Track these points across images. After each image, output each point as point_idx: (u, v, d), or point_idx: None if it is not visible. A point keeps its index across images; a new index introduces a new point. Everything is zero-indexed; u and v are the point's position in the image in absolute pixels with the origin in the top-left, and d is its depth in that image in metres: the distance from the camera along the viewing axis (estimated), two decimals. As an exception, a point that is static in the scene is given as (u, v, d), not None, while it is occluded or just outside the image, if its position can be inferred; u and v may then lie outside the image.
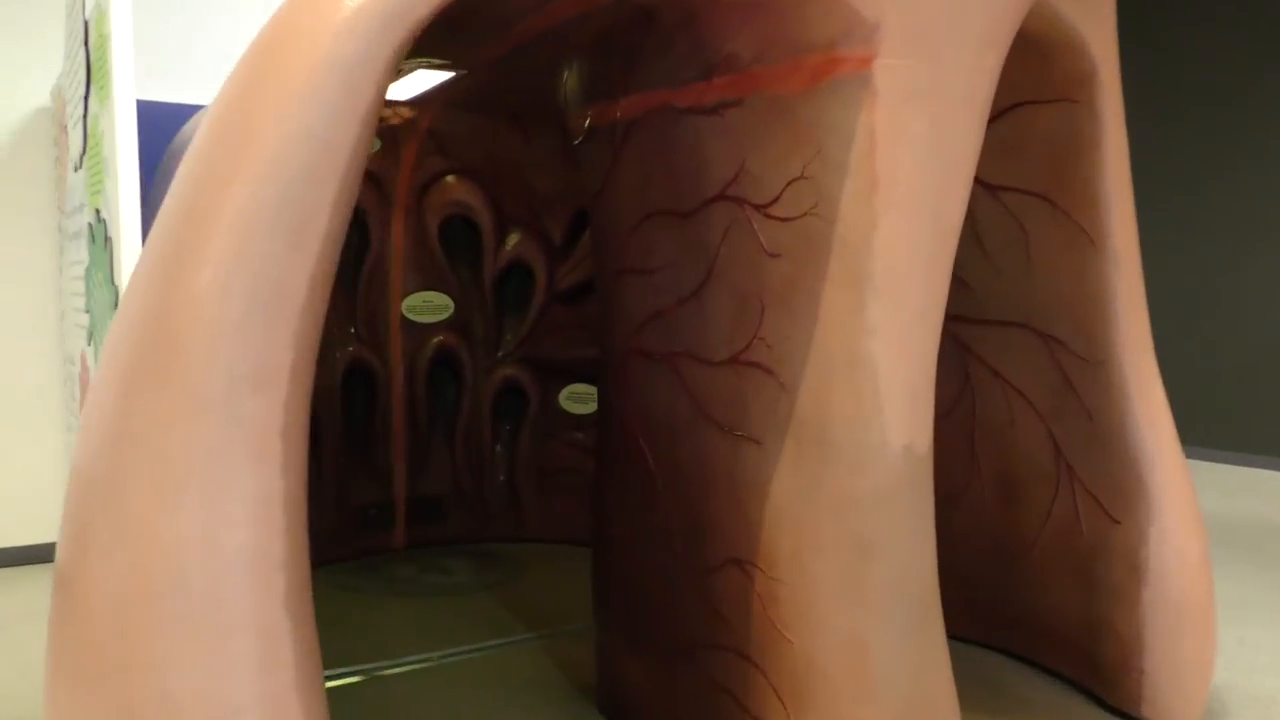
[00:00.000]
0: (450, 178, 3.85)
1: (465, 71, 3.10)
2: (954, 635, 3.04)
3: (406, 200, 3.79)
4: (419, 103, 3.56)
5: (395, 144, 3.69)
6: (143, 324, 1.53)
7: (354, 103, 1.49)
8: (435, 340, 3.94)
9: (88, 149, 3.04)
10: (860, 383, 1.78)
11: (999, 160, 2.59)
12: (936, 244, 1.76)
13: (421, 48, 2.70)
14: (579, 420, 4.07)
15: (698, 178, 2.03)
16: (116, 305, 2.61)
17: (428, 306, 3.93)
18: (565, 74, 2.45)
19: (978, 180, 2.69)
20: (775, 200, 1.86)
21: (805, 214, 1.81)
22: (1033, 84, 2.41)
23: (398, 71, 3.19)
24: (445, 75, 3.20)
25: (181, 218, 1.53)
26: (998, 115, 2.56)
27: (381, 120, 3.58)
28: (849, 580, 1.79)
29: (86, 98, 3.01)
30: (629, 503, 2.32)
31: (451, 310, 3.97)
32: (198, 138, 1.61)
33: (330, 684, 2.64)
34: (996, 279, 2.74)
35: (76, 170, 3.29)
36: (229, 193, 1.47)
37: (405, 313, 3.89)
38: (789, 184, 1.83)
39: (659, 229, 2.17)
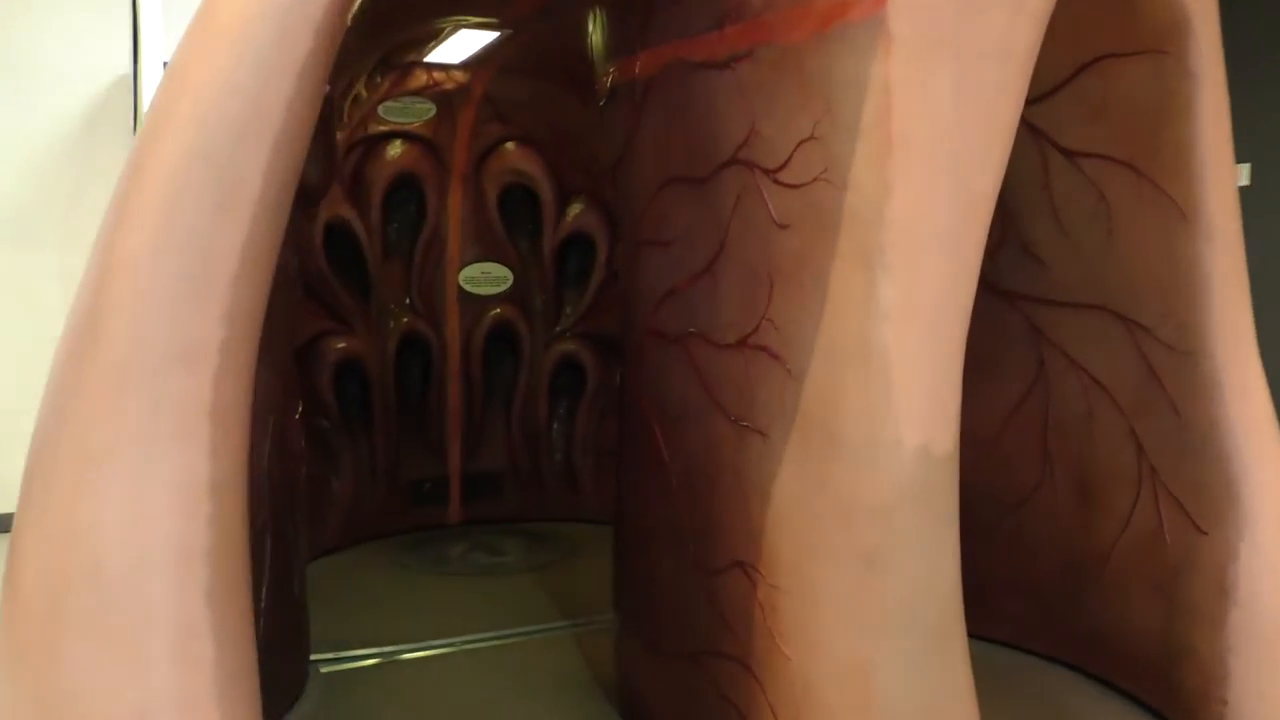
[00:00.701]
0: (509, 145, 3.72)
1: (510, 31, 2.95)
2: (1020, 647, 2.80)
3: (464, 168, 3.68)
4: (471, 65, 3.43)
5: (451, 110, 3.58)
6: (80, 292, 1.44)
7: (287, 54, 1.35)
8: (493, 313, 3.84)
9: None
10: (871, 373, 1.56)
11: (1077, 122, 2.30)
12: (962, 216, 1.53)
13: (449, 3, 2.57)
14: (641, 399, 3.91)
15: (712, 140, 1.84)
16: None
17: (486, 278, 3.82)
18: (591, 30, 2.27)
19: (1054, 145, 2.40)
20: (785, 165, 1.65)
21: (815, 180, 1.59)
22: (1114, 34, 2.12)
23: (436, 31, 3.08)
24: (491, 35, 3.06)
25: (124, 177, 1.43)
26: (1076, 71, 2.27)
27: (434, 84, 3.48)
28: (853, 595, 1.59)
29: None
30: (644, 495, 2.16)
31: (510, 282, 3.86)
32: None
33: (344, 666, 2.57)
34: (1075, 256, 2.45)
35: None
36: (158, 151, 1.36)
37: (462, 284, 3.80)
38: (799, 146, 1.62)
39: (676, 197, 1.99)
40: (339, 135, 3.34)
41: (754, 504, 1.76)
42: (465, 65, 3.45)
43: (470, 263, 3.80)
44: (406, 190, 3.63)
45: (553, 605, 3.04)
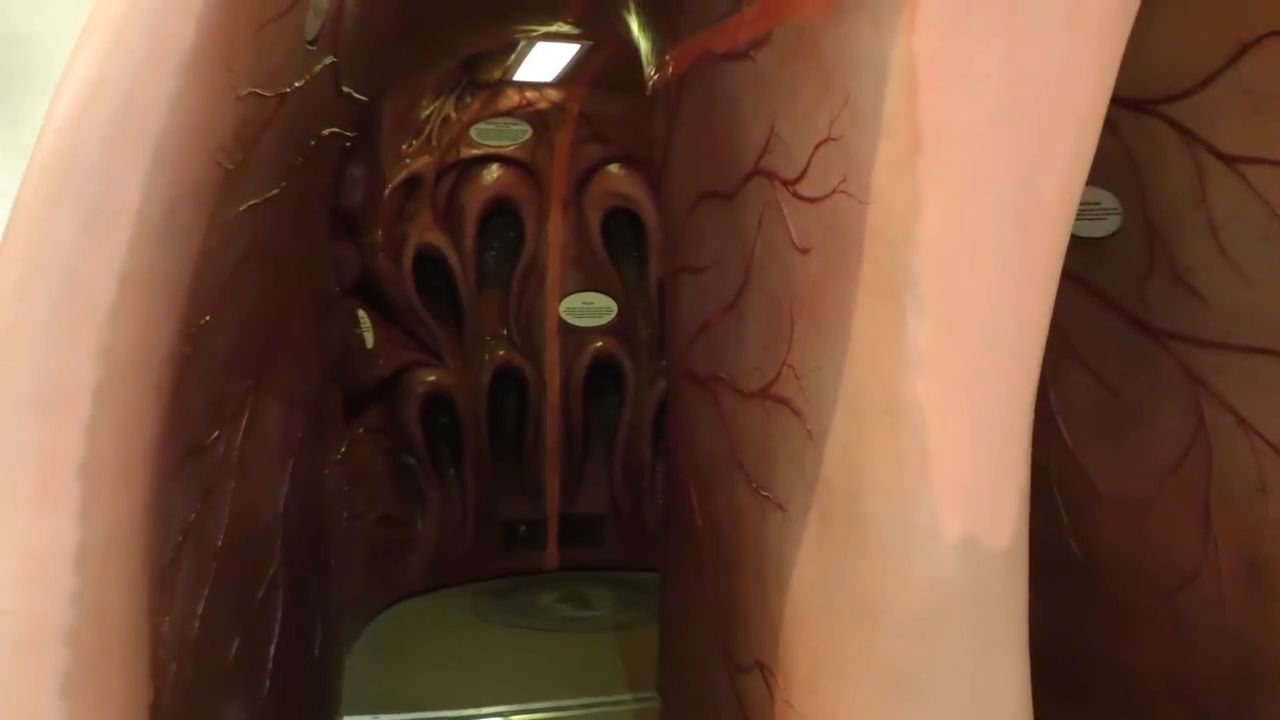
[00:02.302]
0: (612, 167, 3.49)
1: (591, 43, 2.72)
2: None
3: (564, 192, 3.47)
4: (563, 82, 3.22)
5: (547, 130, 3.38)
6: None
7: (164, 46, 1.14)
8: (595, 346, 3.60)
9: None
10: (901, 438, 1.20)
11: (1238, 120, 1.85)
12: (1019, 234, 1.15)
13: (503, 8, 2.35)
14: (753, 441, 3.57)
15: (736, 145, 1.52)
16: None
17: (588, 309, 3.59)
18: (635, 31, 2.00)
19: (1209, 150, 1.94)
20: (804, 174, 1.32)
21: (834, 191, 1.25)
22: (1282, 4, 1.66)
23: (510, 44, 2.87)
24: (574, 49, 2.84)
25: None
26: (1235, 55, 1.82)
27: (527, 104, 3.29)
28: (875, 728, 1.22)
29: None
30: (681, 565, 1.86)
31: (614, 313, 3.61)
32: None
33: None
34: (1240, 287, 1.98)
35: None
36: (29, 167, 1.18)
37: (563, 315, 3.58)
38: (816, 149, 1.29)
39: (708, 216, 1.69)
40: (426, 159, 3.20)
41: (773, 593, 1.42)
42: (557, 82, 3.24)
43: (571, 292, 3.58)
44: (503, 216, 3.46)
45: (624, 673, 2.74)
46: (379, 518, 3.14)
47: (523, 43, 2.79)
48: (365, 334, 2.98)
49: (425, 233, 3.28)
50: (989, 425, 1.19)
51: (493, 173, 3.39)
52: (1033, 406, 1.22)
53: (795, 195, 1.34)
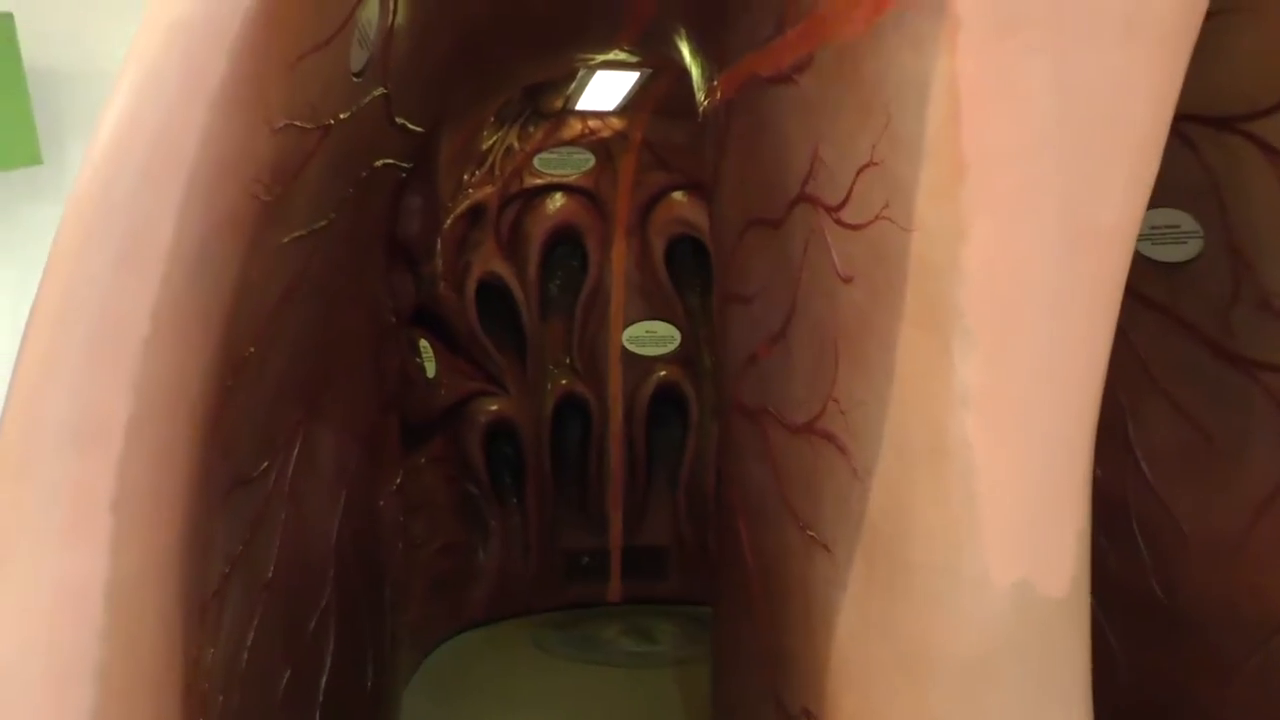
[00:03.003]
0: (677, 194, 3.46)
1: (650, 70, 2.70)
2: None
3: (628, 220, 3.46)
4: (625, 110, 3.21)
5: (610, 158, 3.37)
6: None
7: (196, 82, 1.14)
8: (658, 374, 3.56)
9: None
10: (948, 478, 1.14)
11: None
12: (1074, 263, 1.07)
13: (560, 38, 2.35)
14: (821, 473, 3.49)
15: (782, 171, 1.48)
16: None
17: (651, 337, 3.56)
18: (687, 58, 1.97)
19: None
20: (846, 200, 1.27)
21: (876, 218, 1.20)
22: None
23: (571, 73, 2.87)
24: (634, 77, 2.82)
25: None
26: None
27: (590, 132, 3.28)
28: (923, 788, 1.15)
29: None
30: (733, 603, 1.80)
31: (678, 342, 3.57)
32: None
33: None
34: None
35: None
36: (70, 199, 1.19)
37: (626, 344, 3.55)
38: (859, 174, 1.23)
39: (756, 244, 1.64)
40: (489, 189, 3.21)
41: (819, 638, 1.35)
42: (619, 110, 3.23)
43: (635, 321, 3.55)
44: (567, 245, 3.45)
45: (686, 710, 2.67)
46: (441, 547, 3.13)
47: (583, 71, 2.79)
48: (427, 363, 2.98)
49: (489, 262, 3.29)
50: (1043, 465, 1.11)
51: (556, 201, 3.39)
52: (1092, 445, 1.15)
53: (838, 222, 1.29)
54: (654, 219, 3.49)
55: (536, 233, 3.39)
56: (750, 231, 1.65)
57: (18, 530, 1.15)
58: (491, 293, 3.32)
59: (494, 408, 3.35)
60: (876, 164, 1.19)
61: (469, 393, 3.29)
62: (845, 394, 1.30)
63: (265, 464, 1.72)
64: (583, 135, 3.30)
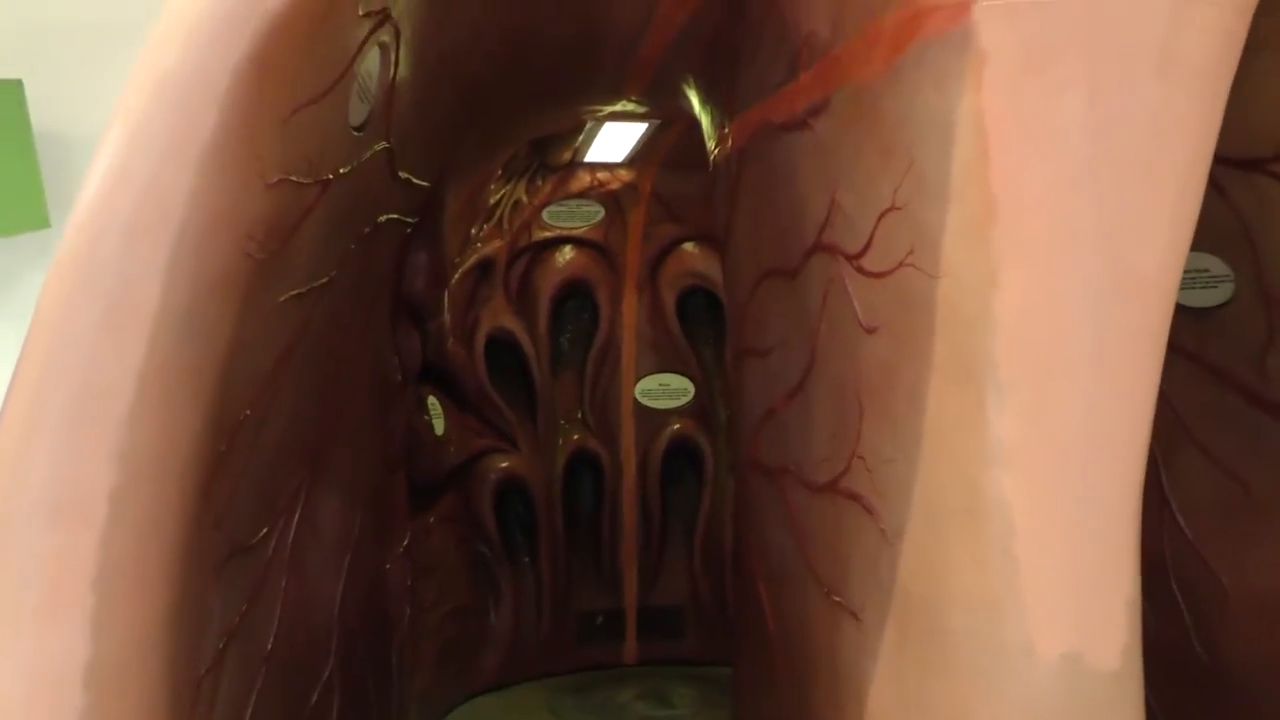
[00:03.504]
0: (688, 245, 3.41)
1: (659, 122, 2.66)
2: None
3: (638, 273, 3.41)
4: (634, 162, 3.17)
5: (620, 211, 3.32)
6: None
7: (184, 135, 1.10)
8: (672, 428, 3.48)
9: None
10: (985, 541, 1.06)
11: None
12: (1112, 310, 1.01)
13: (566, 91, 2.31)
14: (840, 528, 3.39)
15: (797, 220, 1.42)
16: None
17: (664, 391, 3.49)
18: (697, 106, 1.93)
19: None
20: (868, 247, 1.21)
21: (900, 265, 1.14)
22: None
23: (579, 125, 2.84)
24: (642, 128, 2.79)
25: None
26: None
27: (599, 185, 3.25)
28: None
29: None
30: (752, 673, 1.71)
31: (691, 395, 3.50)
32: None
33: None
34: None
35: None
36: (55, 260, 1.14)
37: (639, 397, 3.48)
38: (880, 220, 1.17)
39: (772, 295, 1.58)
40: (498, 243, 3.17)
41: (850, 714, 1.27)
42: (628, 162, 3.19)
43: (647, 374, 3.49)
44: (577, 298, 3.40)
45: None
46: (451, 610, 3.04)
47: (590, 123, 2.76)
48: (435, 421, 2.92)
49: (498, 317, 3.24)
50: (1087, 526, 1.04)
51: (565, 255, 3.35)
52: (1139, 503, 1.07)
53: (859, 270, 1.23)
54: (665, 271, 3.44)
55: (546, 286, 3.34)
56: (765, 283, 1.59)
57: (-8, 610, 1.08)
58: (501, 348, 3.27)
59: (504, 465, 3.27)
60: (899, 208, 1.13)
61: (479, 450, 3.22)
62: (871, 451, 1.23)
63: (264, 530, 1.65)
64: (591, 188, 3.26)
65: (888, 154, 1.15)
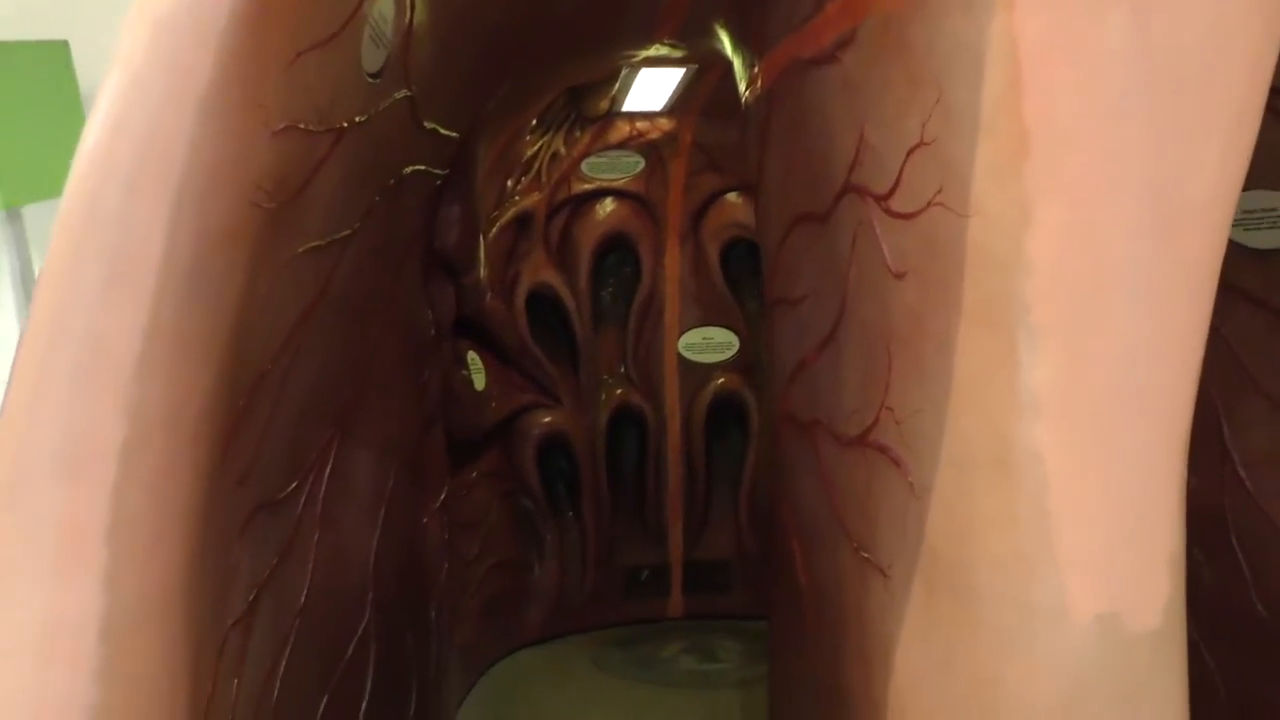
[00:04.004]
0: (730, 195, 3.34)
1: (696, 66, 2.59)
2: None
3: (680, 225, 3.34)
4: (674, 111, 3.10)
5: (661, 161, 3.26)
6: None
7: (180, 83, 1.07)
8: (717, 382, 3.43)
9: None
10: (1017, 496, 1.00)
11: None
12: (1156, 250, 0.93)
13: (596, 36, 2.25)
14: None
15: (827, 160, 1.36)
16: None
17: (708, 344, 3.44)
18: (729, 47, 1.86)
19: None
20: (896, 186, 1.14)
21: (929, 204, 1.07)
22: None
23: (613, 75, 2.77)
24: (679, 73, 2.71)
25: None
26: None
27: (638, 135, 3.18)
28: None
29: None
30: (787, 631, 1.68)
31: (736, 348, 3.44)
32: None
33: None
34: None
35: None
36: (58, 216, 1.12)
37: (682, 351, 3.44)
38: (908, 156, 1.11)
39: (802, 242, 1.52)
40: (537, 196, 3.13)
41: (877, 675, 1.23)
42: (667, 111, 3.12)
43: (691, 328, 3.44)
44: (619, 252, 3.35)
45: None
46: (494, 565, 3.05)
47: (625, 70, 2.69)
48: (475, 376, 2.91)
49: (539, 271, 3.20)
50: (1126, 479, 0.97)
51: (606, 207, 3.30)
52: (1185, 454, 1.00)
53: (888, 211, 1.16)
54: (707, 222, 3.37)
55: (587, 240, 3.30)
56: (796, 228, 1.53)
57: (4, 566, 1.08)
58: (542, 303, 3.24)
59: (547, 420, 3.26)
60: (927, 144, 1.07)
61: (521, 405, 3.21)
62: (900, 402, 1.17)
63: (294, 485, 1.65)
64: (631, 138, 3.20)
65: (915, 85, 1.08)
